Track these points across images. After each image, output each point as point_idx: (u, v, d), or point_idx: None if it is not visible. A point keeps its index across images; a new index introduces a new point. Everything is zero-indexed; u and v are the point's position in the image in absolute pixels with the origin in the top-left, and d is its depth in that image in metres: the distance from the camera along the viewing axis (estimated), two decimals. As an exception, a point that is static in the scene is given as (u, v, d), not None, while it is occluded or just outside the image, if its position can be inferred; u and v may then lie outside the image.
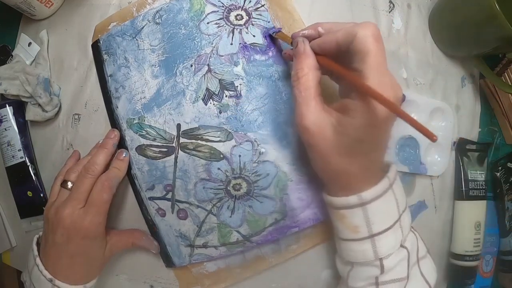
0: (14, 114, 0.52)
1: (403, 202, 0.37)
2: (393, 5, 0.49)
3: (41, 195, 0.53)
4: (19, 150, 0.52)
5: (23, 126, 0.52)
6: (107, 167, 0.45)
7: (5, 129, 0.51)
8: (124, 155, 0.45)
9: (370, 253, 0.36)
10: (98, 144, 0.46)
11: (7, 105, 0.51)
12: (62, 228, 0.41)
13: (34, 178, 0.52)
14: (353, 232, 0.36)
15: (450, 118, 0.50)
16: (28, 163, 0.52)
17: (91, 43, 0.48)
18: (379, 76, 0.31)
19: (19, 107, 0.52)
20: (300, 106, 0.34)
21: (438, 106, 0.49)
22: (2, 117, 0.51)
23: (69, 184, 0.44)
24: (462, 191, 0.51)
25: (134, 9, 0.46)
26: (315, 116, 0.33)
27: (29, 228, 0.54)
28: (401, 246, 0.37)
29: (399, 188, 0.37)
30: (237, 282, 0.47)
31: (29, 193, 0.53)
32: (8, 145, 0.51)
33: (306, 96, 0.34)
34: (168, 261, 0.46)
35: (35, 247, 0.44)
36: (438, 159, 0.50)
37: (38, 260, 0.42)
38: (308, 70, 0.34)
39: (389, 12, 0.49)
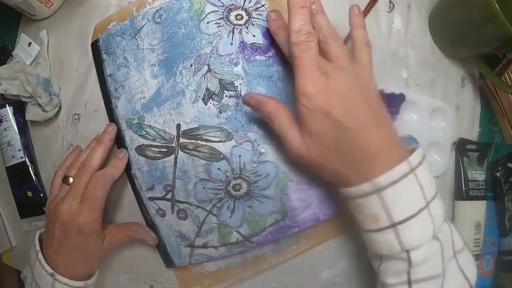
0: (14, 114, 0.52)
1: (431, 189, 0.34)
2: (393, 5, 0.49)
3: (41, 195, 0.53)
4: (19, 150, 0.52)
5: (23, 126, 0.53)
6: (106, 163, 0.45)
7: (5, 129, 0.52)
8: (123, 154, 0.45)
9: (395, 244, 0.33)
10: (97, 137, 0.47)
11: (7, 105, 0.51)
12: (60, 223, 0.42)
13: (34, 178, 0.53)
14: (373, 221, 0.34)
15: (450, 118, 0.50)
16: (28, 163, 0.52)
17: (91, 41, 0.48)
18: None
19: (19, 107, 0.53)
20: (282, 142, 0.37)
21: (438, 106, 0.49)
22: (2, 117, 0.51)
23: (70, 180, 0.45)
24: (462, 191, 0.51)
25: (134, 8, 0.46)
26: (296, 144, 0.36)
27: (29, 228, 0.54)
28: (434, 237, 0.33)
29: (425, 173, 0.34)
30: (237, 282, 0.47)
31: (29, 193, 0.53)
32: (8, 145, 0.51)
33: (283, 132, 0.37)
34: (168, 261, 0.46)
35: (37, 242, 0.44)
36: (438, 159, 0.50)
37: (40, 254, 0.43)
38: (275, 110, 0.37)
39: (389, 12, 0.49)
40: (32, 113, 0.51)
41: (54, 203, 0.43)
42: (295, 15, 0.35)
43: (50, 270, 0.42)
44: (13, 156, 0.52)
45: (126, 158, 0.45)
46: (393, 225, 0.33)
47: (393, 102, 0.47)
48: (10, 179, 0.54)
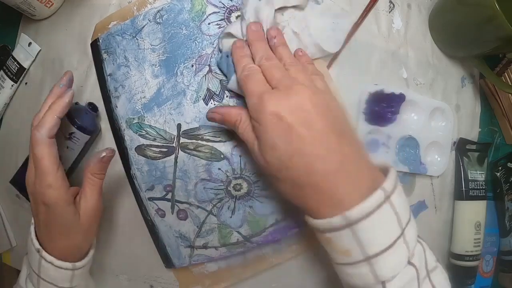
0: (87, 143, 0.47)
1: (405, 214, 0.32)
2: (393, 5, 0.49)
3: None
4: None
5: (84, 153, 0.48)
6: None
7: (67, 147, 0.46)
8: (61, 85, 0.41)
9: (369, 277, 0.31)
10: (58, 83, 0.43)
11: (87, 133, 0.46)
12: (31, 195, 0.39)
13: None
14: (345, 255, 0.31)
15: (450, 118, 0.50)
16: None
17: (91, 40, 0.48)
18: None
19: (95, 137, 0.49)
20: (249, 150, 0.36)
21: (438, 106, 0.49)
22: (74, 137, 0.46)
23: None
24: (462, 191, 0.51)
25: (135, 8, 0.46)
26: (257, 152, 0.35)
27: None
28: (409, 263, 0.31)
29: (399, 197, 0.31)
30: (238, 282, 0.47)
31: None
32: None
33: (245, 139, 0.36)
34: (168, 262, 0.46)
35: (32, 225, 0.41)
36: (438, 159, 0.50)
37: (32, 227, 0.41)
38: (239, 118, 0.37)
39: (389, 12, 0.49)
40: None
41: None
42: (239, 58, 0.38)
43: (37, 246, 0.39)
44: None
45: (70, 95, 0.40)
46: (367, 258, 0.30)
47: (393, 102, 0.47)
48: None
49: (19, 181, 0.52)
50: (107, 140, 0.48)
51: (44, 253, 0.39)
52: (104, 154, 0.40)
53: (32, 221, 0.41)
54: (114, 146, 0.46)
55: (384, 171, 0.33)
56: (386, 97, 0.47)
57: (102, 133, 0.49)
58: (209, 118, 0.39)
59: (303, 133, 0.31)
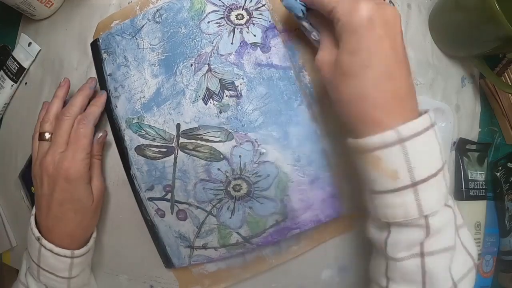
0: None
1: (445, 152, 0.33)
2: (393, 5, 0.49)
3: None
4: None
5: None
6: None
7: None
8: (101, 94, 0.45)
9: (413, 207, 0.30)
10: (60, 85, 0.47)
11: None
12: (47, 176, 0.41)
13: None
14: (391, 178, 0.30)
15: (450, 118, 0.50)
16: None
17: (91, 40, 0.48)
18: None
19: None
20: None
21: (438, 106, 0.49)
22: None
23: (47, 135, 0.44)
24: (462, 191, 0.51)
25: (138, 7, 0.46)
26: (325, 53, 0.34)
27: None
28: (446, 204, 0.31)
29: (440, 134, 0.32)
30: (238, 282, 0.47)
31: (33, 189, 0.52)
32: None
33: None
34: (168, 262, 0.46)
35: (34, 209, 0.43)
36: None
37: (32, 218, 0.43)
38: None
39: (389, 12, 0.49)
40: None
41: (37, 161, 0.43)
42: None
43: (37, 234, 0.41)
44: None
45: (105, 96, 0.45)
46: (414, 184, 0.30)
47: None
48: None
49: (26, 178, 0.53)
50: (107, 140, 0.48)
51: (44, 241, 0.41)
52: (100, 134, 0.45)
53: (33, 211, 0.43)
54: (114, 146, 0.47)
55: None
56: None
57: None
58: None
59: (387, 49, 0.31)
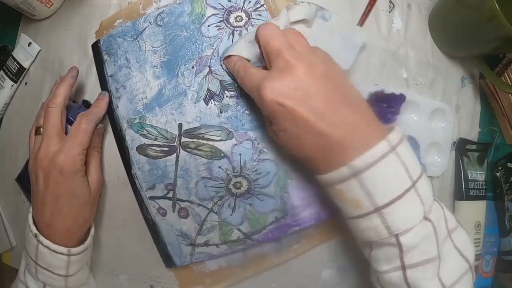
0: None
1: (416, 168, 0.32)
2: (393, 5, 0.50)
3: None
4: None
5: None
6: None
7: None
8: (103, 95, 0.45)
9: (382, 229, 0.31)
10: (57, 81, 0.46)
11: None
12: (41, 171, 0.41)
13: None
14: (356, 207, 0.32)
15: (450, 118, 0.50)
16: None
17: (91, 42, 0.48)
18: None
19: None
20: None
21: (438, 106, 0.49)
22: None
23: (42, 130, 0.43)
24: (462, 191, 0.51)
25: (141, 6, 0.47)
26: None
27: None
28: (425, 218, 0.32)
29: (407, 151, 0.32)
30: (238, 281, 0.47)
31: None
32: None
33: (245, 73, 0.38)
34: (169, 261, 0.46)
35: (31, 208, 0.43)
36: (438, 160, 0.50)
37: (30, 215, 0.42)
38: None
39: (389, 12, 0.49)
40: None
41: (32, 156, 0.42)
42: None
43: (34, 230, 0.41)
44: None
45: (107, 97, 0.46)
46: (377, 209, 0.31)
47: (393, 102, 0.47)
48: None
49: (24, 179, 0.52)
50: (107, 140, 0.48)
51: (41, 237, 0.40)
52: (100, 125, 0.46)
53: (30, 209, 0.43)
54: (115, 146, 0.47)
55: (390, 129, 0.33)
56: (386, 97, 0.47)
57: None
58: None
59: (304, 114, 0.32)
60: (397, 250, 0.32)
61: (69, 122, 0.45)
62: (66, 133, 0.43)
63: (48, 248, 0.40)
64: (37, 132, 0.44)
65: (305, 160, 0.35)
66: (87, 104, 0.48)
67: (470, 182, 0.51)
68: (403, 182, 0.31)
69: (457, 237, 0.34)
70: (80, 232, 0.43)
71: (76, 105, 0.47)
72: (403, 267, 0.32)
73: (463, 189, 0.51)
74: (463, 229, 0.36)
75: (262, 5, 0.44)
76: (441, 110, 0.50)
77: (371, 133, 0.32)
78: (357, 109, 0.33)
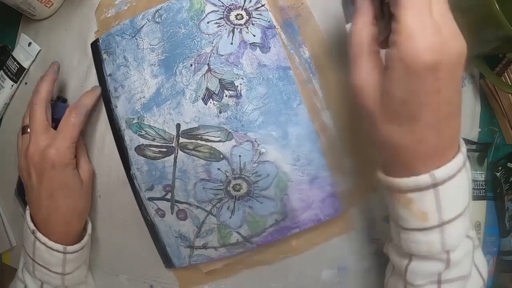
0: None
1: (471, 183, 0.32)
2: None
3: None
4: None
5: None
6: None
7: None
8: (95, 89, 0.46)
9: (437, 245, 0.30)
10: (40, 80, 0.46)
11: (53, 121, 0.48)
12: (33, 166, 0.41)
13: None
14: (421, 219, 0.30)
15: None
16: None
17: (91, 41, 0.48)
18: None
19: None
20: (351, 64, 0.31)
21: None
22: None
23: (28, 129, 0.44)
24: (462, 191, 0.51)
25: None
26: (364, 74, 0.29)
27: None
28: (466, 236, 0.31)
29: (469, 167, 0.31)
30: (237, 281, 0.47)
31: None
32: None
33: (356, 53, 0.30)
34: (168, 262, 0.46)
35: (28, 211, 0.44)
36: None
37: (27, 212, 0.43)
38: (362, 25, 0.30)
39: (389, 12, 0.49)
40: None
41: (22, 156, 0.43)
42: None
43: (32, 227, 0.41)
44: None
45: (99, 91, 0.46)
46: (441, 224, 0.30)
47: None
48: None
49: (21, 193, 0.53)
50: (107, 140, 0.48)
51: (38, 234, 0.41)
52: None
53: (27, 207, 0.43)
54: (115, 147, 0.47)
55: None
56: None
57: (102, 133, 0.49)
58: None
59: (442, 103, 0.27)
60: (443, 266, 0.31)
61: (52, 119, 0.46)
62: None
63: (45, 245, 0.41)
64: (24, 131, 0.44)
65: (387, 149, 0.30)
66: (62, 99, 0.50)
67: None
68: (466, 199, 0.31)
69: (476, 255, 0.34)
70: (77, 225, 0.44)
71: (58, 103, 0.49)
72: (439, 282, 0.32)
73: (463, 189, 0.51)
74: (480, 248, 0.35)
75: (262, 5, 0.44)
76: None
77: (447, 144, 0.30)
78: (458, 124, 0.30)
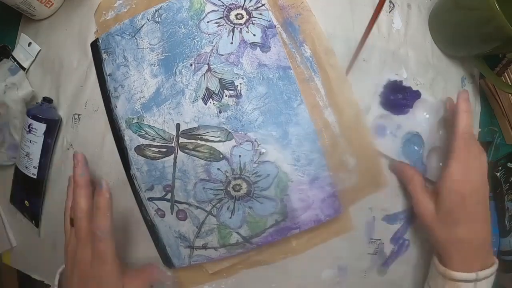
0: (45, 133, 0.49)
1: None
2: (393, 5, 0.49)
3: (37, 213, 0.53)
4: (35, 167, 0.50)
5: (48, 148, 0.51)
6: None
7: (30, 141, 0.49)
8: (101, 187, 0.41)
9: None
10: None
11: (43, 121, 0.49)
12: (78, 272, 0.41)
13: (40, 198, 0.53)
14: None
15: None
16: (38, 181, 0.51)
17: (91, 40, 0.48)
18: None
19: (53, 127, 0.51)
20: (413, 202, 0.45)
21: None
22: (32, 129, 0.49)
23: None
24: (462, 191, 0.51)
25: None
26: (423, 202, 0.44)
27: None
28: None
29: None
30: (237, 281, 0.47)
31: (26, 203, 0.53)
32: (26, 156, 0.50)
33: (415, 192, 0.45)
34: (168, 262, 0.46)
35: (56, 283, 0.44)
36: (440, 165, 0.50)
37: (57, 277, 0.43)
38: (411, 176, 0.46)
39: (389, 12, 0.49)
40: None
41: (70, 249, 0.43)
42: (465, 116, 0.42)
43: None
44: (26, 167, 0.50)
45: (106, 190, 0.41)
46: None
47: (409, 96, 0.47)
48: (14, 177, 0.53)
49: (16, 200, 0.54)
50: (107, 140, 0.48)
51: None
52: (169, 281, 0.48)
53: (60, 270, 0.44)
54: (115, 147, 0.46)
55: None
56: (403, 89, 0.47)
57: (102, 133, 0.49)
58: (392, 170, 0.48)
59: (474, 209, 0.41)
60: None
61: (34, 117, 0.48)
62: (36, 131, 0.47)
63: None
64: (72, 223, 0.43)
65: (445, 247, 0.42)
66: (48, 100, 0.50)
67: (470, 182, 0.51)
68: None
69: None
70: None
71: (44, 104, 0.50)
72: None
73: (463, 189, 0.51)
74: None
75: (263, 5, 0.44)
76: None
77: (490, 255, 0.43)
78: (489, 224, 0.43)
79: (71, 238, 0.43)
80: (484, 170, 0.43)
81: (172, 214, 0.44)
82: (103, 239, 0.40)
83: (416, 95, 0.47)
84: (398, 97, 0.47)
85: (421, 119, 0.48)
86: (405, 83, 0.47)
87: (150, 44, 0.45)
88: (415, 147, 0.48)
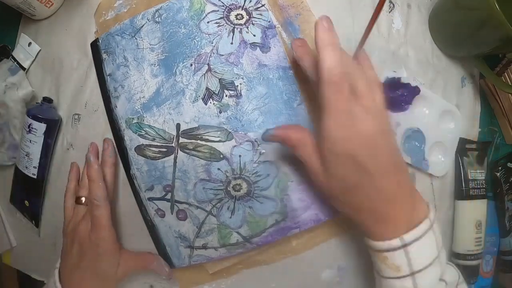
0: (45, 133, 0.50)
1: (440, 240, 0.38)
2: (393, 5, 0.49)
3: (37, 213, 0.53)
4: (35, 167, 0.50)
5: (48, 148, 0.51)
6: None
7: (30, 141, 0.49)
8: (89, 160, 0.46)
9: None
10: (90, 148, 0.48)
11: (43, 121, 0.49)
12: (78, 243, 0.43)
13: (39, 197, 0.53)
14: (395, 271, 0.36)
15: (458, 120, 0.50)
16: (38, 181, 0.52)
17: (91, 40, 0.48)
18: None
19: (53, 127, 0.51)
20: (306, 168, 0.38)
21: (450, 109, 0.49)
22: (32, 129, 0.49)
23: (83, 199, 0.46)
24: (463, 191, 0.51)
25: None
26: (317, 174, 0.37)
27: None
28: (440, 279, 0.37)
29: (438, 227, 0.38)
30: (237, 281, 0.47)
31: (26, 203, 0.53)
32: (26, 156, 0.50)
33: (304, 159, 0.38)
34: (168, 262, 0.46)
35: (56, 272, 0.45)
36: (442, 159, 0.50)
37: (56, 271, 0.44)
38: (299, 141, 0.38)
39: (389, 12, 0.49)
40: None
41: (71, 225, 0.45)
42: (327, 52, 0.33)
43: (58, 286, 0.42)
44: (26, 167, 0.51)
45: (95, 162, 0.46)
46: (413, 273, 0.36)
47: (408, 92, 0.47)
48: (14, 177, 0.54)
49: (16, 200, 0.55)
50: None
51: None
52: (164, 275, 0.47)
53: (57, 265, 0.45)
54: (114, 146, 0.47)
55: (427, 204, 0.39)
56: (402, 86, 0.47)
57: (102, 133, 0.49)
58: (266, 139, 0.40)
59: (370, 168, 0.34)
60: None
61: (34, 117, 0.48)
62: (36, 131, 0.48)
63: None
64: (78, 201, 0.46)
65: (351, 213, 0.38)
66: (48, 100, 0.50)
67: (470, 182, 0.51)
68: (434, 253, 0.37)
69: None
70: None
71: (44, 104, 0.50)
72: None
73: (464, 188, 0.51)
74: (464, 281, 0.41)
75: (263, 5, 0.44)
76: (451, 111, 0.49)
77: (418, 209, 0.37)
78: (404, 173, 0.38)
79: (74, 216, 0.46)
80: (378, 108, 0.36)
81: (172, 214, 0.44)
82: (99, 206, 0.43)
83: (416, 91, 0.47)
84: (397, 94, 0.47)
85: (421, 114, 0.48)
86: (403, 80, 0.47)
87: (150, 44, 0.45)
88: (416, 143, 0.48)
